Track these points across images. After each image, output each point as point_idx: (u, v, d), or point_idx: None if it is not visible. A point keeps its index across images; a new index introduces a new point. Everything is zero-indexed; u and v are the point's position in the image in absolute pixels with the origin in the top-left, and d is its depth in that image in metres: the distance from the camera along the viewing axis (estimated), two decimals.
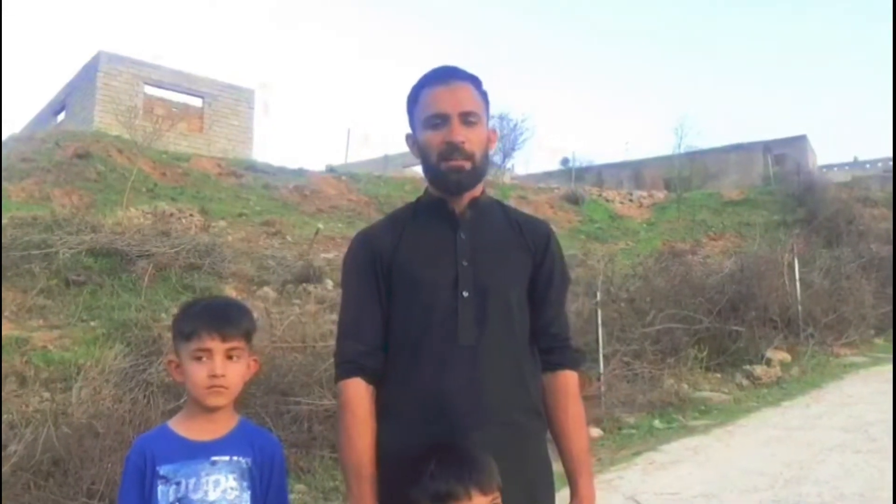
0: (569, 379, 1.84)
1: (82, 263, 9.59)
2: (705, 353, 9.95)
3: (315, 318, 8.97)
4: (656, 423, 7.77)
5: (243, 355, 1.79)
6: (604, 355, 8.71)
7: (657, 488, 5.28)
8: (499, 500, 1.58)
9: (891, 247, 14.41)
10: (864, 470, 5.46)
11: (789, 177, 25.61)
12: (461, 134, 1.76)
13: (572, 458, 1.78)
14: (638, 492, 5.18)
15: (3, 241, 9.28)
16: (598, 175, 35.35)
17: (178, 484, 1.70)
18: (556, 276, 1.87)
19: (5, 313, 8.26)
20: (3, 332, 7.71)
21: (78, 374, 6.73)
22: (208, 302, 1.86)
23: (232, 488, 1.72)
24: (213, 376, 1.73)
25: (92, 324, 8.47)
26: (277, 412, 6.50)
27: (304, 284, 11.15)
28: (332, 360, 7.58)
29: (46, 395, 6.61)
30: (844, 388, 9.10)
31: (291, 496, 5.83)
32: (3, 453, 5.36)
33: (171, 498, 1.69)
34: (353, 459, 1.71)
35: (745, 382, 9.62)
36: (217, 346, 1.73)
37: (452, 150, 1.76)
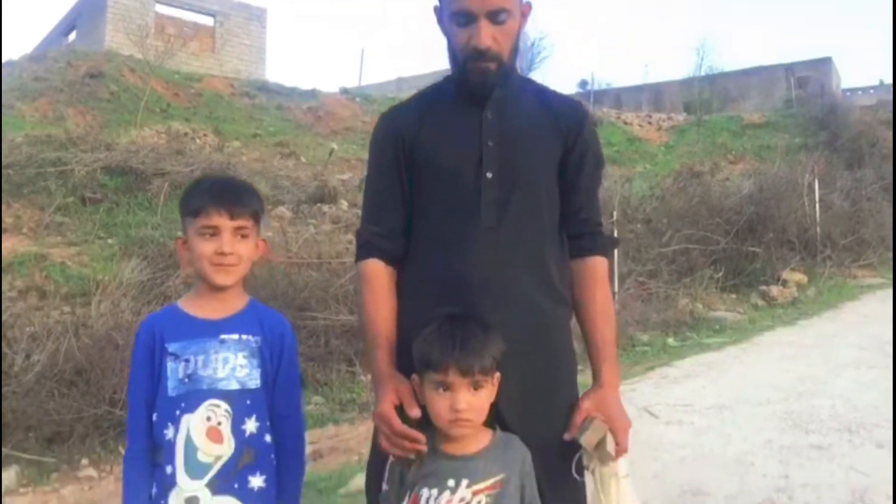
0: (598, 265, 1.78)
1: (98, 181, 9.60)
2: (721, 274, 9.93)
3: (330, 237, 9.00)
4: (670, 340, 7.80)
5: (251, 235, 1.76)
6: (619, 275, 8.70)
7: (670, 400, 5.33)
8: (490, 385, 1.55)
9: None
10: (879, 384, 5.47)
11: (812, 100, 24.99)
12: (488, 37, 1.67)
13: (596, 344, 1.74)
14: (651, 403, 5.22)
15: (18, 158, 9.28)
16: (616, 98, 34.75)
17: (186, 361, 1.69)
18: (589, 160, 1.80)
19: (23, 230, 8.33)
20: (21, 249, 7.79)
21: (97, 289, 6.81)
22: (217, 179, 1.83)
23: (241, 366, 1.71)
24: (221, 254, 1.70)
25: (109, 241, 8.54)
26: (294, 327, 6.48)
27: (319, 204, 11.14)
28: (347, 276, 7.59)
29: (67, 308, 6.70)
30: (860, 308, 9.07)
31: (309, 407, 5.96)
32: (26, 363, 5.47)
33: (181, 375, 1.69)
34: (369, 332, 1.70)
35: (760, 303, 9.62)
36: (225, 223, 1.70)
37: (478, 54, 1.68)
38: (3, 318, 5.82)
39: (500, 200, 1.69)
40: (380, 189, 1.79)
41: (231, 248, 1.70)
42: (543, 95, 1.84)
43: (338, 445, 5.19)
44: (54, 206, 8.83)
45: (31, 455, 5.11)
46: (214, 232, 1.71)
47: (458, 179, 1.70)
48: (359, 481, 3.66)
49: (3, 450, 4.95)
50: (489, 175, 1.70)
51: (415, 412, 1.54)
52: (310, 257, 7.82)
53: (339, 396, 6.20)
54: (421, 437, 1.53)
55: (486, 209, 1.68)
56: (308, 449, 5.16)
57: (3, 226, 8.10)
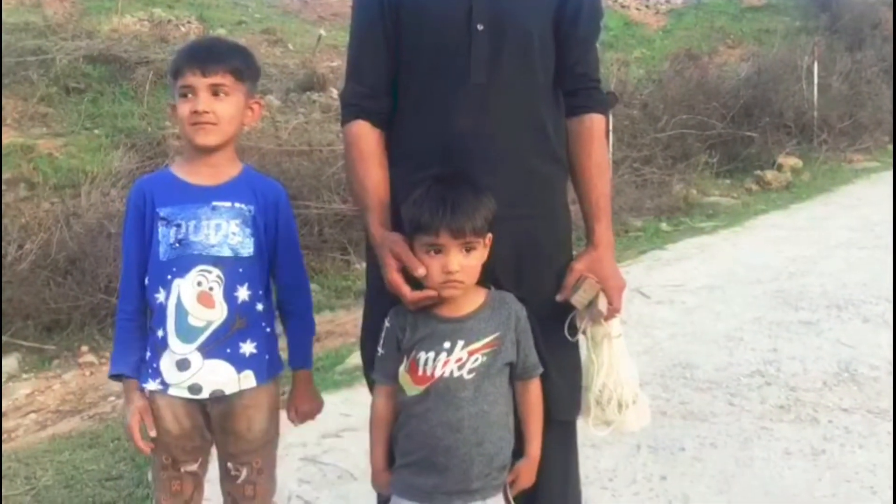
0: (594, 122, 1.71)
1: (81, 70, 9.32)
2: (716, 160, 9.85)
3: (321, 125, 8.86)
4: (663, 225, 7.82)
5: (233, 93, 1.69)
6: (613, 161, 8.61)
7: (662, 281, 5.38)
8: (481, 246, 1.54)
9: None
10: (868, 263, 5.53)
11: None
12: None
13: (591, 203, 1.69)
14: (643, 284, 5.26)
15: None
16: None
17: (178, 226, 1.68)
18: (585, 9, 1.70)
19: (7, 121, 8.15)
20: (6, 140, 7.65)
21: (86, 180, 6.73)
22: (199, 39, 1.77)
23: (234, 233, 1.69)
24: (195, 112, 1.64)
25: (96, 132, 8.38)
26: None
27: (308, 93, 10.92)
28: (339, 164, 7.50)
29: (56, 199, 6.65)
30: (854, 191, 9.05)
31: None
32: (19, 252, 5.46)
33: (172, 239, 1.68)
34: (359, 197, 1.67)
35: (754, 188, 9.57)
36: (199, 81, 1.64)
37: None
38: None
39: (491, 55, 1.60)
40: (363, 44, 1.70)
41: (206, 106, 1.64)
42: None
43: (334, 329, 5.27)
44: (37, 96, 8.62)
45: (31, 343, 5.19)
46: (191, 91, 1.65)
47: (446, 33, 1.61)
48: (355, 359, 3.73)
49: (3, 337, 5.01)
50: (479, 27, 1.60)
51: (420, 271, 1.51)
52: (300, 146, 7.72)
53: (334, 284, 6.25)
54: (433, 293, 1.52)
55: (476, 65, 1.60)
56: None
57: None
